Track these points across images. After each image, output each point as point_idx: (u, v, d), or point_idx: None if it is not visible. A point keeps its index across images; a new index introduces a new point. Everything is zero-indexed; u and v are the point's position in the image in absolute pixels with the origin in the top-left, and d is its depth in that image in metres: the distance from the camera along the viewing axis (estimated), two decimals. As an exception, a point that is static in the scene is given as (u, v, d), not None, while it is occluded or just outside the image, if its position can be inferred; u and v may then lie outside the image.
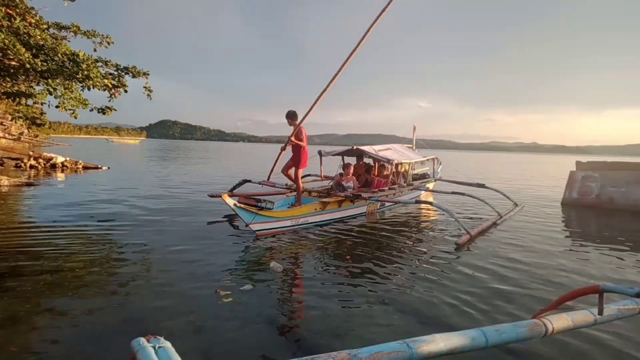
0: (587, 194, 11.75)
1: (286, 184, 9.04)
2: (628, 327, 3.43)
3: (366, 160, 10.77)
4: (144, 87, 13.31)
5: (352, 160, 10.33)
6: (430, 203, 8.46)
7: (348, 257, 5.72)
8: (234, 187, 9.56)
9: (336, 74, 7.72)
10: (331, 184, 9.41)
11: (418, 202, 8.82)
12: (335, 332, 3.29)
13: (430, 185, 12.54)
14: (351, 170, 9.35)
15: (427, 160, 13.13)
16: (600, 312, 2.60)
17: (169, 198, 10.45)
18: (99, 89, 13.02)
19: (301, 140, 7.55)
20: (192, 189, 12.52)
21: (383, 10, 7.58)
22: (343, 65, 7.71)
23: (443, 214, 8.94)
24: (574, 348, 3.09)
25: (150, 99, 13.49)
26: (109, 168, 18.77)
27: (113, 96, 13.25)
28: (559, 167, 41.57)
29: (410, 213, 9.79)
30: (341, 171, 9.55)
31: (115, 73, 13.27)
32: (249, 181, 9.68)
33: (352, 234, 7.16)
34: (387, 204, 9.66)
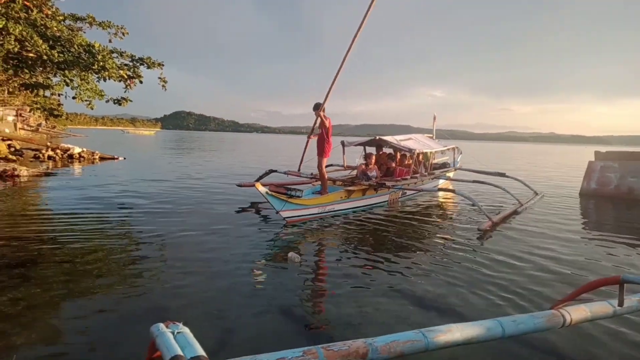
0: (606, 185, 11.54)
1: (311, 173, 9.25)
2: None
3: (387, 150, 10.89)
4: (159, 77, 13.43)
5: (373, 150, 10.53)
6: (453, 191, 8.55)
7: (369, 246, 5.76)
8: (261, 177, 9.78)
9: (340, 67, 8.03)
10: (356, 173, 9.63)
11: (441, 190, 9.23)
12: (351, 321, 3.30)
13: (451, 174, 12.69)
14: (373, 160, 9.53)
15: (448, 149, 13.19)
16: (621, 304, 2.56)
17: (187, 188, 10.56)
18: (114, 80, 13.17)
19: (324, 128, 7.67)
20: (210, 179, 12.62)
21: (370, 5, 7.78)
22: (345, 57, 7.99)
23: (463, 203, 9.22)
24: (592, 339, 3.05)
25: (165, 89, 13.59)
26: (125, 159, 18.99)
27: (128, 87, 13.39)
28: (577, 157, 40.88)
29: (430, 201, 9.94)
30: (364, 161, 9.72)
31: (131, 64, 13.40)
32: (275, 171, 9.94)
33: (375, 222, 7.26)
34: (408, 192, 9.83)
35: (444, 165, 13.14)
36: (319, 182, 8.44)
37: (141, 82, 13.50)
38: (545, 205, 9.51)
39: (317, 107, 7.66)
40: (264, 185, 6.84)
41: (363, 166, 9.46)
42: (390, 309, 3.55)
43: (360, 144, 10.76)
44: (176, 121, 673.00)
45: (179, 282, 4.00)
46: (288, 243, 5.85)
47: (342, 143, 10.63)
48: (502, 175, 11.53)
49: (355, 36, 7.87)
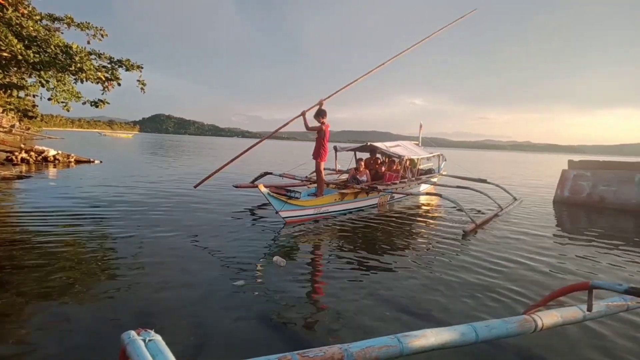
0: (579, 193, 11.86)
1: (306, 177, 9.82)
2: (616, 324, 3.47)
3: (377, 155, 11.46)
4: (138, 80, 13.18)
5: (364, 156, 11.13)
6: (440, 195, 9.07)
7: (356, 249, 5.86)
8: (256, 179, 10.29)
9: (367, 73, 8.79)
10: (347, 177, 10.11)
11: (428, 194, 10.17)
12: (331, 326, 3.30)
13: (436, 180, 13.21)
14: (363, 165, 9.98)
15: (433, 156, 13.76)
16: (590, 309, 2.63)
17: (166, 191, 10.40)
18: (92, 82, 12.90)
19: (320, 134, 7.99)
20: (191, 183, 12.42)
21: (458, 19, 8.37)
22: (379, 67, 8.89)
23: (447, 206, 9.77)
24: (563, 344, 3.12)
25: (144, 92, 13.37)
26: (101, 162, 18.63)
27: (106, 89, 13.13)
28: (551, 165, 41.85)
29: (417, 205, 10.47)
30: (355, 166, 10.21)
31: (109, 66, 13.15)
32: (270, 173, 10.43)
33: (365, 224, 7.60)
34: (396, 196, 10.37)
35: (429, 171, 13.66)
36: (314, 185, 8.76)
37: (119, 84, 13.25)
38: (522, 211, 9.85)
39: (321, 114, 7.98)
40: (269, 186, 7.24)
41: (353, 170, 9.93)
42: (370, 314, 3.56)
43: (351, 150, 11.30)
44: (155, 124, 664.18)
45: (155, 287, 3.94)
46: (275, 246, 5.87)
47: (335, 148, 11.09)
48: (484, 181, 12.14)
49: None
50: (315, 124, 8.01)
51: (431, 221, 8.38)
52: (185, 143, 68.36)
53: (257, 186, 7.19)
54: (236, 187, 9.90)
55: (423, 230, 7.45)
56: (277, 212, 7.13)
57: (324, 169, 10.56)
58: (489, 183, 12.16)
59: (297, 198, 7.54)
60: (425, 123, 15.09)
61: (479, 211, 9.37)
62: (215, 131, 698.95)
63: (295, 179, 9.88)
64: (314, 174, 8.73)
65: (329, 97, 8.17)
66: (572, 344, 3.12)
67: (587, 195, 11.71)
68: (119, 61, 13.11)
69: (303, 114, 8.00)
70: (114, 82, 13.12)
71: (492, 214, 8.78)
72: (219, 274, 4.46)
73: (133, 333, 1.62)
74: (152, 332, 1.65)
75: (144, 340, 1.58)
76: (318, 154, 8.09)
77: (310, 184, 9.63)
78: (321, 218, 7.95)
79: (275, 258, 4.98)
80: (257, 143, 8.52)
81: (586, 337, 3.24)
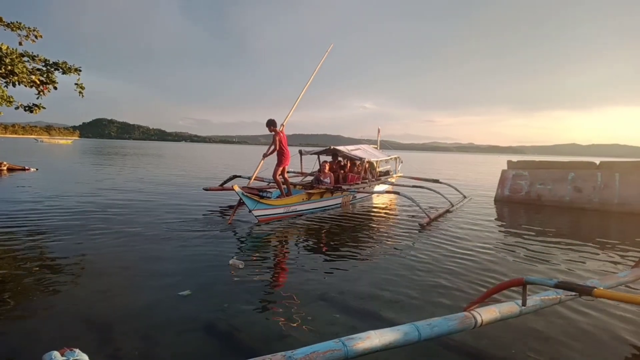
0: (518, 191, 12.52)
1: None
2: (550, 316, 3.66)
3: (339, 158, 12.05)
4: (76, 84, 12.55)
5: (327, 159, 11.67)
6: (398, 193, 9.83)
7: (316, 249, 6.03)
8: (225, 182, 11.08)
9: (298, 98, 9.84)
10: (312, 179, 10.71)
11: (388, 192, 11.14)
12: (280, 332, 3.24)
13: (393, 180, 14.01)
14: (327, 167, 10.55)
15: (391, 159, 14.65)
16: (524, 303, 2.76)
17: (108, 199, 9.90)
18: (25, 86, 12.20)
19: (275, 143, 8.50)
20: (131, 191, 11.95)
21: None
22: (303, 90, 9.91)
23: (404, 204, 10.67)
24: (503, 338, 3.24)
25: (83, 96, 12.73)
26: (37, 170, 17.57)
27: (41, 93, 12.45)
28: (494, 165, 43.87)
29: (376, 204, 11.14)
30: (319, 168, 10.79)
31: (44, 69, 12.46)
32: (239, 176, 11.20)
33: (329, 223, 8.06)
34: (358, 196, 11.37)
35: (387, 173, 14.48)
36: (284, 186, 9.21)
37: (55, 88, 12.57)
38: (470, 209, 10.48)
39: (270, 124, 8.41)
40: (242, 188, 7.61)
41: (317, 173, 10.50)
42: (321, 317, 3.55)
43: (315, 153, 11.92)
44: (97, 129, 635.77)
45: (94, 300, 3.74)
46: (235, 249, 5.88)
47: (300, 152, 11.78)
48: (437, 181, 13.35)
49: (312, 76, 10.11)
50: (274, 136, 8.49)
51: (390, 218, 9.04)
52: (129, 149, 65.70)
53: (226, 189, 7.30)
54: (206, 189, 10.49)
55: (382, 228, 7.95)
56: (250, 211, 7.58)
57: (289, 171, 10.85)
58: (441, 183, 13.29)
59: (268, 198, 8.17)
60: (376, 126, 15.94)
61: (433, 207, 10.15)
62: (161, 136, 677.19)
63: (263, 181, 10.27)
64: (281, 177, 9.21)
65: (282, 124, 8.76)
66: (510, 338, 3.25)
67: (525, 194, 12.38)
68: (55, 64, 12.46)
69: (264, 156, 8.71)
70: (50, 86, 12.46)
71: (444, 210, 9.71)
72: (167, 283, 4.29)
73: (56, 354, 1.51)
74: (78, 351, 1.55)
75: (68, 361, 1.48)
76: (282, 159, 8.61)
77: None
78: (291, 216, 8.49)
79: (232, 261, 4.94)
80: (271, 151, 8.72)
81: (523, 330, 3.39)
